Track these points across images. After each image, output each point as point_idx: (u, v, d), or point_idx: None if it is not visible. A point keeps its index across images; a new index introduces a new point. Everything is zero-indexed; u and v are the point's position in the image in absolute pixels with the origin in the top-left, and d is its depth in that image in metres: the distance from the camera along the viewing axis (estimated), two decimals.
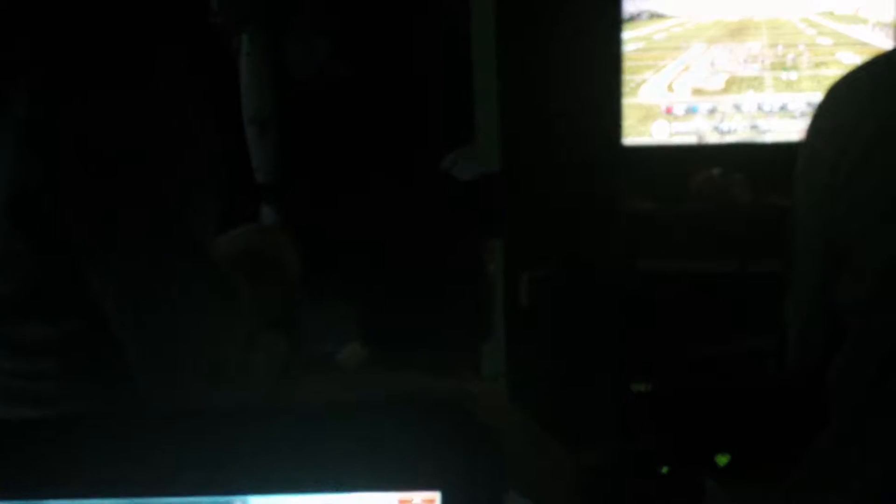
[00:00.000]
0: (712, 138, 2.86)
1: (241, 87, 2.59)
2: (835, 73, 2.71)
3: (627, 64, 2.83)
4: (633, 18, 2.82)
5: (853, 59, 2.71)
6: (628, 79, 2.84)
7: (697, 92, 2.85)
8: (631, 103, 2.85)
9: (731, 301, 2.66)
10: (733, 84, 2.84)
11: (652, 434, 2.57)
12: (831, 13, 2.78)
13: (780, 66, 2.82)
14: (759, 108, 2.84)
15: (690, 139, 2.87)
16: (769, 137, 2.84)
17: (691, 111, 2.86)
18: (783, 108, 2.83)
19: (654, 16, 2.83)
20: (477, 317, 2.86)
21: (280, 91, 2.61)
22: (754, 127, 2.85)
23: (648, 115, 2.86)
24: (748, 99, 2.84)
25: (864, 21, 2.77)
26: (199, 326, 1.18)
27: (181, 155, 1.22)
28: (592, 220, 2.87)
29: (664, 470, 2.44)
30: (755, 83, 2.83)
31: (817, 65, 2.80)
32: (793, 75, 2.82)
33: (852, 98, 1.27)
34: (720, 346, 2.65)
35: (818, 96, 1.39)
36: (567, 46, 2.91)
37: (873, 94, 1.23)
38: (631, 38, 2.82)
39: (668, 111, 2.86)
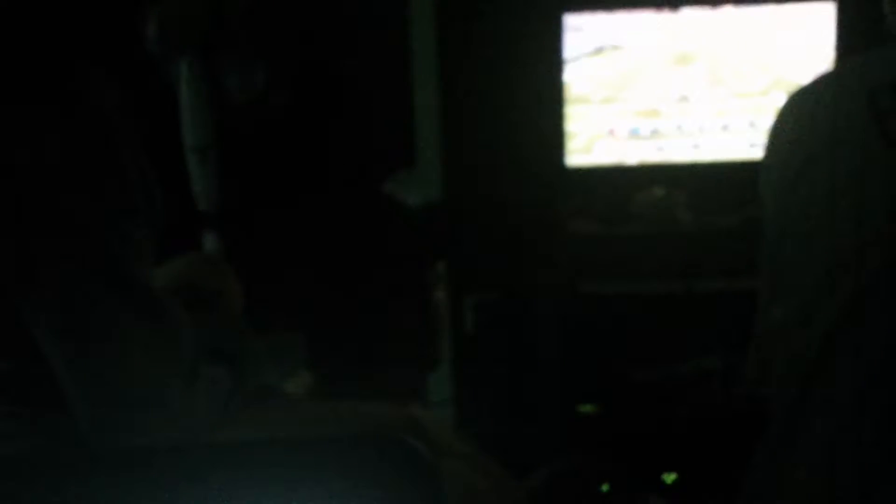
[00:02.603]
0: (655, 159, 2.89)
1: (181, 115, 2.56)
2: (778, 93, 2.77)
3: (570, 87, 2.85)
4: (596, 50, 2.85)
5: (793, 80, 2.76)
6: (572, 101, 2.85)
7: (640, 113, 2.87)
8: (573, 125, 2.86)
9: (674, 322, 2.67)
10: (675, 105, 2.87)
11: (597, 455, 2.58)
12: (771, 37, 2.82)
13: (720, 85, 2.85)
14: (700, 128, 2.87)
15: (633, 160, 2.89)
16: (710, 156, 2.87)
17: (634, 133, 2.88)
18: (724, 127, 2.86)
19: (611, 46, 2.85)
20: (423, 344, 2.86)
21: (220, 118, 2.59)
22: (696, 146, 2.88)
23: (591, 136, 2.87)
24: (690, 119, 2.87)
25: (803, 45, 2.81)
26: (132, 359, 1.15)
27: (102, 182, 1.18)
28: (535, 243, 2.87)
29: (604, 488, 2.45)
30: (696, 104, 2.86)
31: (758, 87, 2.84)
32: (733, 96, 2.85)
33: (797, 116, 1.30)
34: (665, 367, 2.67)
35: (760, 116, 1.41)
36: (509, 69, 2.93)
37: (813, 113, 1.25)
38: (573, 62, 2.84)
39: (611, 133, 2.88)
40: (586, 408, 2.71)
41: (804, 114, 1.28)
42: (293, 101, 2.62)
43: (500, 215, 2.91)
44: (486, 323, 2.86)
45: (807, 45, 2.80)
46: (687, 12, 2.82)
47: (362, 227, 2.77)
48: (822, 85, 1.31)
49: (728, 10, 2.81)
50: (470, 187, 2.88)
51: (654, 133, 2.88)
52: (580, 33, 2.83)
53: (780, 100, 1.33)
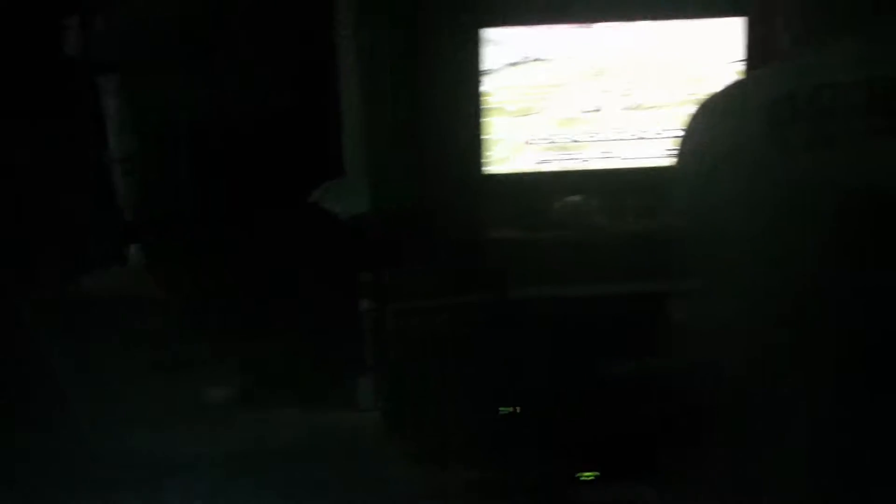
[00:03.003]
0: (572, 166, 2.97)
1: (109, 128, 2.57)
2: (689, 104, 2.87)
3: (490, 98, 2.92)
4: (516, 62, 2.92)
5: (704, 91, 2.85)
6: (491, 112, 2.93)
7: (557, 123, 2.95)
8: (493, 135, 2.94)
9: (594, 323, 2.75)
10: (590, 115, 2.96)
11: (520, 455, 2.64)
12: (683, 51, 2.92)
13: (633, 96, 2.95)
14: (615, 137, 2.96)
15: (551, 167, 2.97)
16: (625, 163, 2.97)
17: (551, 142, 2.96)
18: (637, 136, 2.96)
19: (531, 59, 2.93)
20: (350, 350, 2.88)
21: (147, 131, 2.60)
22: (611, 155, 2.97)
23: (511, 146, 2.95)
24: (604, 129, 2.96)
25: (713, 58, 2.92)
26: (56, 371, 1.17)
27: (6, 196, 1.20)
28: (460, 250, 2.93)
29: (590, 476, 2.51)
30: (611, 114, 2.95)
31: (671, 97, 2.94)
32: (645, 107, 2.95)
33: (704, 126, 1.36)
34: (590, 367, 2.73)
35: (672, 126, 1.48)
36: (430, 81, 2.99)
37: (718, 123, 1.33)
38: (492, 74, 2.91)
39: (529, 142, 2.96)
40: (508, 410, 2.77)
41: (710, 123, 1.34)
42: (223, 113, 2.64)
43: (424, 223, 2.97)
44: (412, 329, 2.90)
45: (717, 58, 2.92)
46: (602, 27, 2.92)
47: (290, 236, 2.80)
48: (725, 96, 1.37)
49: (641, 24, 2.92)
50: (395, 197, 2.93)
51: (571, 142, 2.97)
52: (499, 46, 2.91)
53: (691, 110, 1.39)
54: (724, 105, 1.37)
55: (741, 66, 2.89)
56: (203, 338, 2.55)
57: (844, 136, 1.22)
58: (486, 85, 2.91)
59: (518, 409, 2.77)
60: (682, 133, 1.39)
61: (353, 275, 2.83)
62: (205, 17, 2.68)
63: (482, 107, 2.92)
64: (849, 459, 1.23)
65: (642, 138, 2.96)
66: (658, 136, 2.93)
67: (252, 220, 2.77)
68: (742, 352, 1.32)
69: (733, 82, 1.40)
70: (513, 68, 2.92)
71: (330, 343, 2.86)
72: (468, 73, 2.91)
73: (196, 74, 2.62)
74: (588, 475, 2.63)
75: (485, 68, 2.90)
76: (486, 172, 2.95)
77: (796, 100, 1.26)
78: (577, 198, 2.95)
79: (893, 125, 1.21)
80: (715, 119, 1.35)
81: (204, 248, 2.77)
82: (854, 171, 1.21)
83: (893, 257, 1.19)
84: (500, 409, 2.79)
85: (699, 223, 1.34)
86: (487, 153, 2.94)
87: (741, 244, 1.28)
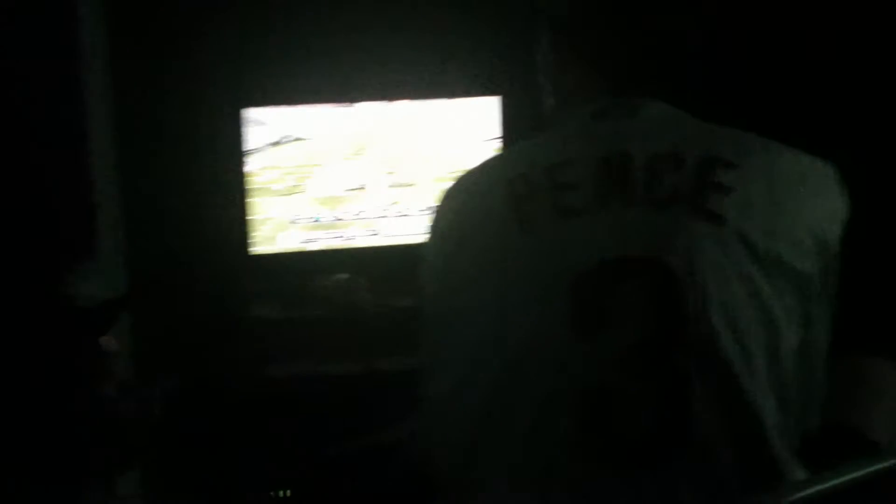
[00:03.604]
0: (336, 244, 2.99)
1: None
2: (448, 181, 2.94)
3: (253, 177, 2.91)
4: (278, 142, 2.92)
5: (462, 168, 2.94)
6: (255, 190, 2.91)
7: (321, 202, 2.97)
8: (258, 214, 2.92)
9: (358, 399, 2.75)
10: (353, 193, 2.99)
11: None
12: (442, 129, 3.01)
13: (395, 174, 3.00)
14: (378, 215, 3.00)
15: (316, 246, 2.98)
16: (389, 241, 3.01)
17: (316, 220, 2.97)
18: (399, 213, 3.01)
19: (293, 138, 2.93)
20: (107, 442, 2.77)
21: None
22: (376, 233, 3.01)
23: (275, 224, 2.94)
24: (368, 206, 2.99)
25: (472, 136, 3.01)
26: None
27: None
28: (221, 330, 2.88)
29: None
30: (373, 192, 2.99)
31: (429, 175, 3.01)
32: (406, 184, 3.01)
33: (451, 205, 1.39)
34: (355, 445, 2.72)
35: (433, 203, 1.50)
36: (192, 161, 2.95)
37: (465, 202, 1.36)
38: (255, 153, 2.90)
39: (294, 221, 2.96)
40: (279, 493, 2.72)
41: (457, 202, 1.37)
42: None
43: (185, 304, 2.91)
44: (174, 412, 2.82)
45: (475, 136, 3.01)
46: (363, 106, 2.96)
47: (36, 325, 2.67)
48: (473, 175, 1.40)
49: (402, 104, 2.98)
50: (154, 277, 2.85)
51: (335, 220, 2.99)
52: (261, 126, 2.91)
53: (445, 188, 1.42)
54: (471, 185, 1.40)
55: (500, 144, 2.99)
56: None
57: (578, 210, 1.27)
58: (251, 164, 2.90)
59: (289, 493, 2.73)
60: (434, 213, 1.42)
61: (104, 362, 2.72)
62: None
63: (246, 186, 2.90)
64: None
65: (405, 215, 3.01)
66: (421, 213, 2.99)
67: None
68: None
69: (480, 163, 1.43)
70: (275, 147, 2.93)
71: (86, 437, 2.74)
72: (231, 152, 2.89)
73: None
74: None
75: (248, 148, 2.90)
76: (251, 251, 2.93)
77: (532, 177, 1.31)
78: (344, 276, 2.96)
79: (624, 195, 1.27)
80: (462, 200, 1.38)
81: None
82: (589, 243, 1.25)
83: (629, 322, 1.23)
84: (271, 492, 2.74)
85: (444, 302, 1.36)
86: (252, 232, 2.92)
87: (485, 323, 1.29)
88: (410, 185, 3.01)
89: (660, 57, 1.38)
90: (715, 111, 1.42)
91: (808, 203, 1.29)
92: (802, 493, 1.11)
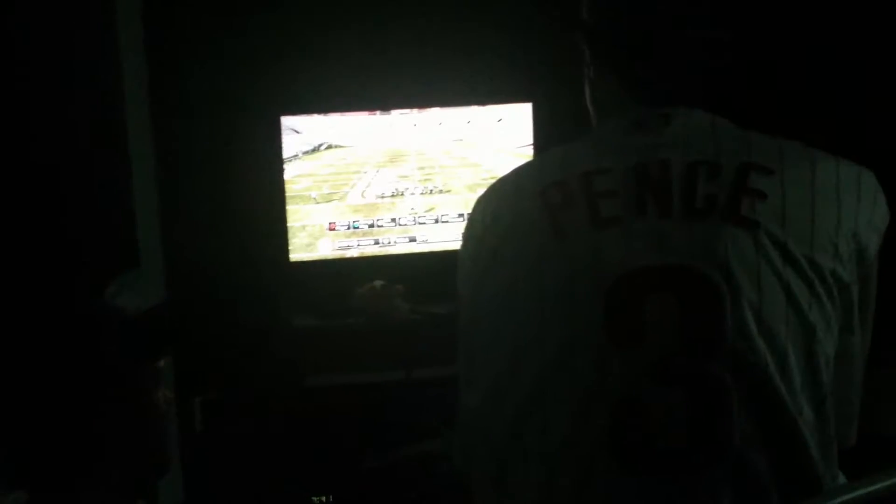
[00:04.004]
0: (373, 251, 3.01)
1: None
2: (482, 187, 2.95)
3: (291, 185, 2.93)
4: (314, 150, 2.94)
5: (496, 174, 2.95)
6: (293, 198, 2.93)
7: (357, 209, 2.99)
8: (295, 222, 2.94)
9: (398, 408, 2.76)
10: (391, 200, 3.01)
11: None
12: (475, 135, 3.02)
13: (430, 181, 3.02)
14: (416, 220, 3.02)
15: (353, 253, 2.99)
16: (425, 248, 3.02)
17: (353, 227, 2.99)
18: (436, 220, 3.02)
19: (329, 146, 2.96)
20: (150, 448, 2.79)
21: None
22: (412, 239, 3.02)
23: (313, 232, 2.96)
24: (404, 213, 3.01)
25: (505, 141, 3.02)
26: None
27: None
28: (261, 339, 2.90)
29: None
30: (409, 199, 3.01)
31: (464, 181, 3.02)
32: (442, 191, 3.02)
33: (485, 213, 1.39)
34: (394, 453, 2.73)
35: (468, 209, 1.50)
36: (230, 169, 2.97)
37: (498, 210, 1.36)
38: (292, 161, 2.92)
39: (332, 228, 2.98)
40: (320, 498, 2.74)
41: (490, 210, 1.37)
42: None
43: (225, 313, 2.93)
44: (215, 421, 2.85)
45: (508, 142, 3.02)
46: (398, 113, 2.98)
47: (80, 333, 2.70)
48: (505, 183, 1.40)
49: (436, 111, 3.00)
50: (194, 286, 2.88)
51: (372, 227, 3.01)
52: (298, 135, 2.93)
53: (481, 194, 1.42)
54: (504, 193, 1.40)
55: (533, 149, 3.00)
56: None
57: (614, 218, 1.27)
58: (288, 172, 2.93)
59: (330, 498, 2.75)
60: (468, 221, 1.42)
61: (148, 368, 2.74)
62: None
63: (284, 193, 2.92)
64: None
65: (441, 222, 3.02)
66: (456, 219, 3.00)
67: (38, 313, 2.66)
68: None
69: (511, 171, 1.43)
70: (312, 155, 2.95)
71: (129, 442, 2.76)
72: (269, 160, 2.92)
73: None
74: None
75: (286, 155, 2.92)
76: (289, 259, 2.95)
77: (567, 185, 1.31)
78: (380, 283, 2.97)
79: (661, 204, 1.27)
80: (495, 208, 1.39)
81: None
82: (625, 251, 1.26)
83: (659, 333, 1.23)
84: (313, 497, 2.75)
85: (480, 310, 1.36)
86: (290, 240, 2.94)
87: (521, 328, 1.30)
88: (446, 191, 3.03)
89: (697, 67, 1.37)
90: (755, 118, 1.41)
91: (847, 210, 1.28)
92: (839, 499, 1.11)
